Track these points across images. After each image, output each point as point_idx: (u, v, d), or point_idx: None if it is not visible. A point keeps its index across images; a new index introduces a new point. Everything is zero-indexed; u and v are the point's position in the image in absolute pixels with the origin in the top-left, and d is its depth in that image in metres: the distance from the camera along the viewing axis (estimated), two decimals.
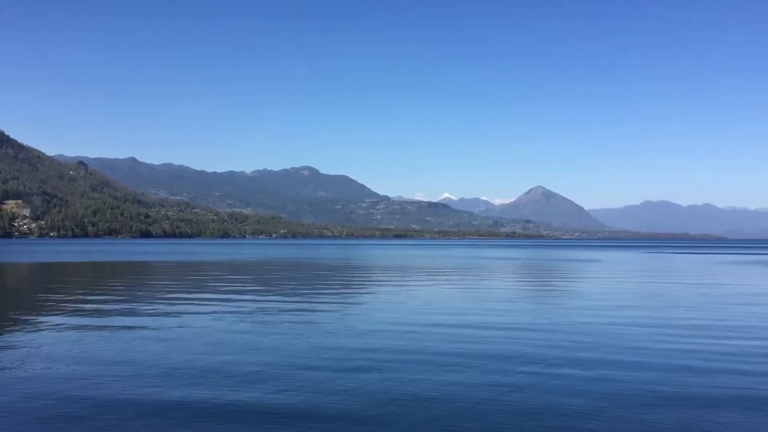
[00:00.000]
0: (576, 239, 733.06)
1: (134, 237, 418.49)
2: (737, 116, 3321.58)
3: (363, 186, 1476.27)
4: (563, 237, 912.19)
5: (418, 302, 29.02)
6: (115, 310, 25.94)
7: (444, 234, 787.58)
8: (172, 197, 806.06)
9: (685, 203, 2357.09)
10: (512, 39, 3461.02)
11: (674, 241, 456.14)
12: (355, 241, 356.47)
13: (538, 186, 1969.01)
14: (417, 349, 17.02)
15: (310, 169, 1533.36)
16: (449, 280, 46.08)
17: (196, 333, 19.73)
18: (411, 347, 17.25)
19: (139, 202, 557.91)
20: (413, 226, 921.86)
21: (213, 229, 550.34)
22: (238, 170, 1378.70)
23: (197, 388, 12.94)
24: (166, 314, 24.46)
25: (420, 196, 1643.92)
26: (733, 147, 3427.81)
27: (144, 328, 20.72)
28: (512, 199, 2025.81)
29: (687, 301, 29.92)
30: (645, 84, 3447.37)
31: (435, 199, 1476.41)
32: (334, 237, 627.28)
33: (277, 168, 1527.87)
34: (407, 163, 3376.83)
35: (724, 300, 30.42)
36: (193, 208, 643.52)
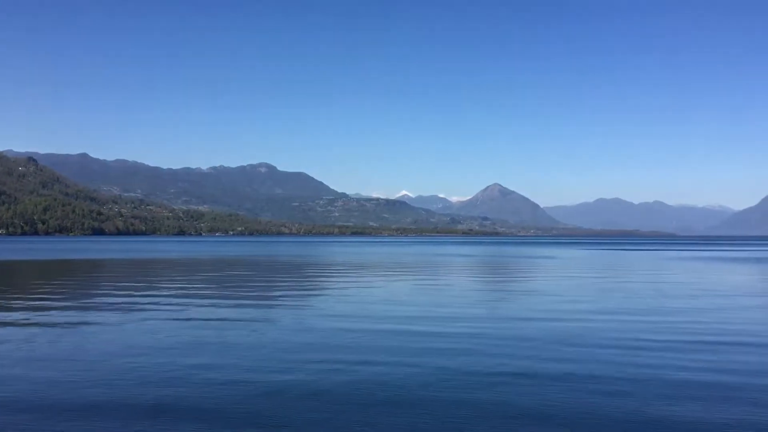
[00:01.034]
0: (531, 236, 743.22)
1: (86, 235, 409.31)
2: (687, 117, 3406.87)
3: (321, 183, 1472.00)
4: (519, 234, 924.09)
5: (378, 304, 28.19)
6: (60, 316, 24.44)
7: (402, 231, 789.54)
8: (125, 194, 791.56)
9: (636, 201, 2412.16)
10: (468, 38, 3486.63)
11: (627, 238, 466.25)
12: (313, 239, 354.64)
13: (495, 184, 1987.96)
14: (373, 362, 16.23)
15: (268, 166, 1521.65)
16: (407, 278, 45.65)
17: (144, 342, 18.50)
18: (365, 359, 16.46)
19: (92, 199, 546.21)
20: (371, 224, 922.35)
21: (168, 226, 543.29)
22: (194, 167, 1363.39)
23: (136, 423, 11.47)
24: (111, 324, 22.90)
25: (378, 194, 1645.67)
26: (683, 146, 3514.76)
27: (84, 338, 19.72)
28: (469, 197, 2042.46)
29: (637, 301, 29.99)
30: (597, 85, 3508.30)
31: (393, 197, 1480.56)
32: (292, 234, 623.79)
33: (233, 165, 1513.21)
34: (365, 161, 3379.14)
35: (673, 303, 30.62)
36: (148, 205, 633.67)
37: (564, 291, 34.90)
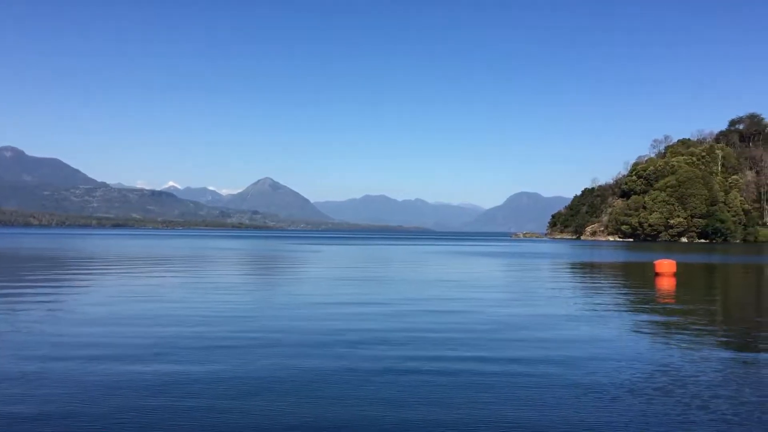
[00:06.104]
0: (301, 230, 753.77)
1: None
2: (443, 121, 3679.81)
3: (77, 171, 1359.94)
4: (289, 228, 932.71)
5: (127, 307, 25.88)
6: None
7: (168, 224, 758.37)
8: None
9: (400, 198, 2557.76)
10: (244, 28, 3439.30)
11: (391, 233, 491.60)
12: (66, 231, 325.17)
13: (266, 177, 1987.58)
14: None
15: (14, 149, 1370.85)
16: (167, 274, 42.81)
17: None
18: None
19: None
20: (135, 216, 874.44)
21: None
22: None
23: None
24: None
25: (142, 184, 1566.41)
26: (441, 148, 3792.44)
27: None
28: (240, 190, 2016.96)
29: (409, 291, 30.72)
30: (367, 84, 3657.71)
31: (159, 188, 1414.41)
32: (43, 226, 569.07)
33: None
34: (128, 148, 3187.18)
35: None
36: None
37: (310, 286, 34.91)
